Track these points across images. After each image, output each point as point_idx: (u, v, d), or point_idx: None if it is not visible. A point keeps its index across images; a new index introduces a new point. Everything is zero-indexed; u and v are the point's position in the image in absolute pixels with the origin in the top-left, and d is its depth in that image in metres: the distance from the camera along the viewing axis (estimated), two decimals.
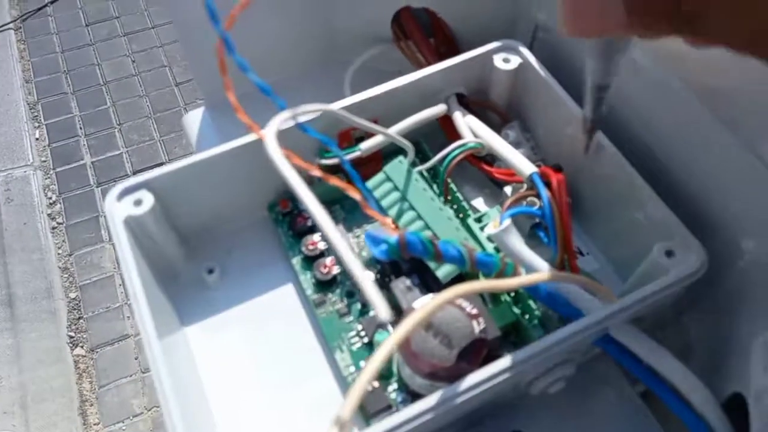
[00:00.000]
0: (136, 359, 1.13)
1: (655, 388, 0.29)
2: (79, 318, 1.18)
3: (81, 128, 1.44)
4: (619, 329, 0.28)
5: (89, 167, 1.38)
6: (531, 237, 0.36)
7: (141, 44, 1.61)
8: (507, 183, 0.35)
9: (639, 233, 0.33)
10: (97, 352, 1.14)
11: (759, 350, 0.28)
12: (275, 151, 0.25)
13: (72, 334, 1.16)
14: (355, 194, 0.25)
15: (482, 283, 0.26)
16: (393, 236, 0.23)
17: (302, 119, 0.33)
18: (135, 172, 1.36)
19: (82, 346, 1.15)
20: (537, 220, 0.34)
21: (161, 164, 1.37)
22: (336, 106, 0.33)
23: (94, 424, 1.07)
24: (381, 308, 0.21)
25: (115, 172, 1.36)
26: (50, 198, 1.33)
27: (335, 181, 0.25)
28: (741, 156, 0.28)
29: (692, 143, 0.31)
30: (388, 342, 0.22)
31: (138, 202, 0.32)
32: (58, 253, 1.25)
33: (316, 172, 0.25)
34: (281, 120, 0.27)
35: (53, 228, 1.29)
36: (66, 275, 1.23)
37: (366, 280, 0.21)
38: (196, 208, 0.35)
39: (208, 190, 0.35)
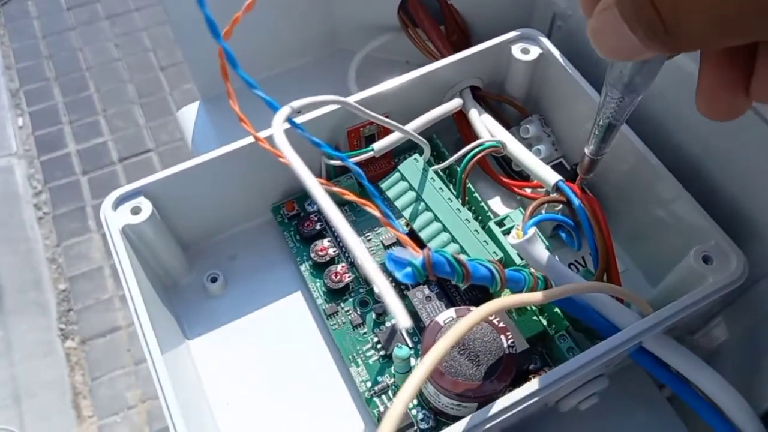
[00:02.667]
0: (128, 351, 1.11)
1: (690, 400, 0.28)
2: (69, 310, 1.15)
3: (65, 115, 1.40)
4: (651, 339, 0.27)
5: (74, 155, 1.34)
6: (552, 237, 0.34)
7: (124, 27, 1.55)
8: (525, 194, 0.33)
9: (668, 234, 0.31)
10: (88, 344, 1.11)
11: None
12: (286, 147, 0.22)
13: (62, 326, 1.14)
14: (374, 211, 0.22)
15: (516, 298, 0.24)
16: (418, 257, 0.21)
17: (308, 115, 0.31)
18: (121, 160, 1.32)
19: (72, 339, 1.13)
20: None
21: (148, 152, 1.34)
22: (349, 100, 0.31)
23: (89, 417, 1.06)
24: (401, 315, 0.19)
25: (101, 160, 1.33)
26: (36, 188, 1.30)
27: (351, 197, 0.23)
28: None
29: (728, 140, 0.29)
30: (422, 368, 0.20)
31: (136, 210, 0.29)
32: (46, 244, 1.22)
33: (331, 188, 0.23)
34: (288, 113, 0.24)
35: (39, 218, 1.26)
36: (54, 266, 1.20)
37: (385, 283, 0.19)
38: (197, 214, 0.33)
39: (209, 194, 0.32)
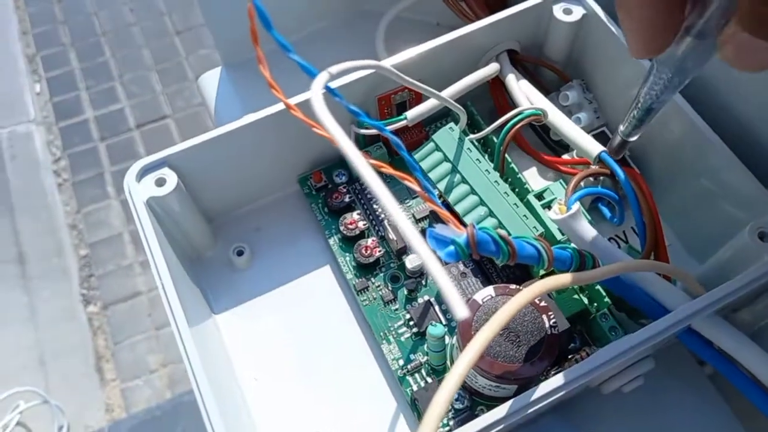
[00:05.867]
0: (149, 316, 1.12)
1: (738, 381, 0.26)
2: (90, 276, 1.17)
3: (82, 81, 1.39)
4: (701, 320, 0.25)
5: (92, 122, 1.33)
6: (592, 210, 0.32)
7: None
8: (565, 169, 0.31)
9: (717, 208, 0.29)
10: (110, 309, 1.13)
11: None
12: (326, 116, 0.20)
13: (84, 291, 1.15)
14: (413, 184, 0.21)
15: (563, 278, 0.22)
16: (461, 235, 0.20)
17: (338, 81, 0.30)
18: (138, 126, 1.31)
19: (95, 304, 1.14)
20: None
21: (165, 118, 1.33)
22: (386, 64, 0.29)
23: (111, 380, 1.08)
24: (458, 305, 0.17)
25: (118, 126, 1.32)
26: (55, 154, 1.30)
27: (388, 170, 0.21)
28: None
29: None
30: (466, 357, 0.19)
31: (160, 182, 0.28)
32: (66, 211, 1.23)
33: (367, 159, 0.21)
34: (326, 80, 0.23)
35: (59, 185, 1.26)
36: (75, 233, 1.21)
37: (441, 273, 0.18)
38: (222, 185, 0.32)
39: (235, 165, 0.31)
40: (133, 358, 1.08)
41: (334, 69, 0.19)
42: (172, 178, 0.28)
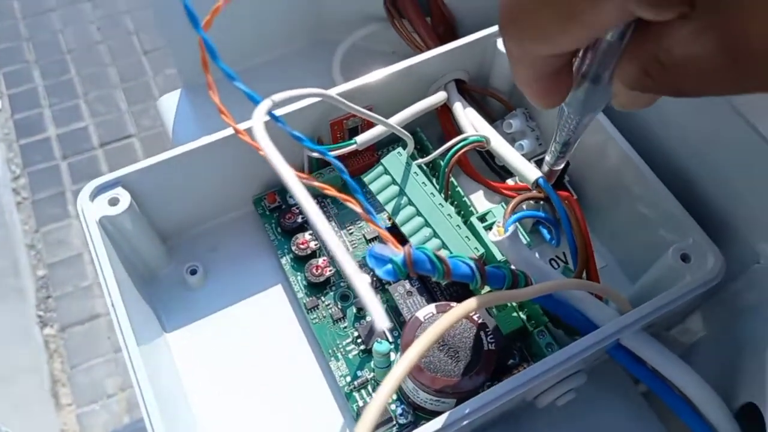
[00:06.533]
0: (108, 338, 1.10)
1: (666, 396, 0.28)
2: (48, 297, 1.14)
3: (45, 99, 1.37)
4: (629, 336, 0.27)
5: (54, 139, 1.32)
6: (534, 233, 0.34)
7: (106, 10, 1.52)
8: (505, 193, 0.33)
9: (648, 231, 0.31)
10: (67, 331, 1.10)
11: None
12: (266, 142, 0.22)
13: (41, 313, 1.13)
14: (355, 206, 0.22)
15: (498, 295, 0.24)
16: (398, 254, 0.21)
17: (291, 107, 0.31)
18: (102, 145, 1.30)
19: (51, 326, 1.12)
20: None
21: (130, 137, 1.32)
22: (331, 92, 0.30)
23: (67, 405, 1.05)
24: (379, 317, 0.19)
25: (82, 145, 1.31)
26: (14, 172, 1.27)
27: (331, 191, 0.23)
28: (762, 155, 0.26)
29: (708, 140, 0.29)
30: (403, 364, 0.20)
31: (113, 201, 0.29)
32: (24, 230, 1.21)
33: (311, 182, 0.22)
34: (269, 107, 0.24)
35: (18, 203, 1.24)
36: (33, 252, 1.18)
37: (363, 284, 0.19)
38: (177, 205, 0.32)
39: (190, 185, 0.32)
40: (90, 382, 1.06)
41: (277, 97, 0.20)
42: (125, 198, 0.29)
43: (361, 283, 0.16)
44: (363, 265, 0.32)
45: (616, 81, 0.17)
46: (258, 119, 0.18)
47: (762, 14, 0.12)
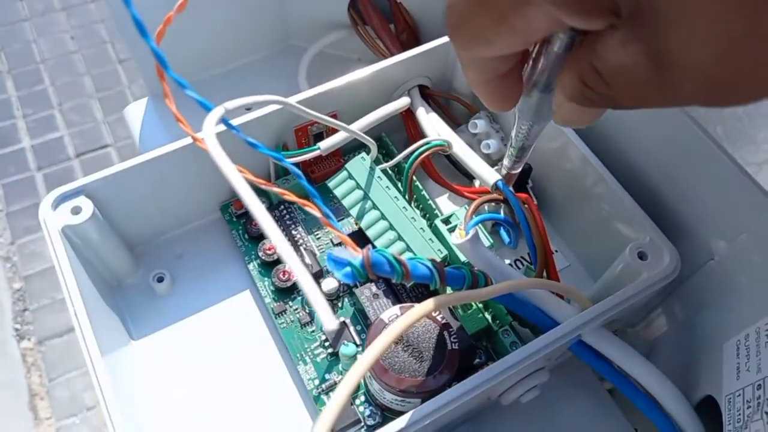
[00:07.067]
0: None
1: (628, 392, 0.28)
2: (25, 309, 1.13)
3: (18, 109, 1.36)
4: (590, 333, 0.28)
5: (29, 150, 1.30)
6: (492, 234, 0.35)
7: (80, 19, 1.51)
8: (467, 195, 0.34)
9: (608, 231, 0.32)
10: (45, 344, 1.09)
11: (730, 353, 0.27)
12: (218, 152, 0.22)
13: (18, 326, 1.11)
14: (314, 211, 0.23)
15: (456, 296, 0.24)
16: (357, 257, 0.21)
17: (253, 114, 0.31)
18: (78, 155, 1.29)
19: (29, 339, 1.10)
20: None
21: (106, 147, 1.31)
22: (293, 99, 0.31)
23: (46, 419, 1.03)
24: (326, 317, 0.19)
25: (57, 155, 1.29)
26: None
27: (290, 197, 0.23)
28: (713, 156, 0.27)
29: (663, 142, 0.30)
30: (361, 364, 0.21)
31: (76, 210, 0.29)
32: (0, 242, 1.19)
33: (270, 188, 0.23)
34: (221, 115, 0.24)
35: None
36: (9, 265, 1.17)
37: (308, 284, 0.19)
38: (142, 213, 0.32)
39: (154, 193, 0.32)
40: (68, 395, 1.05)
41: (230, 104, 0.21)
42: (87, 207, 0.29)
43: (307, 283, 0.16)
44: (329, 270, 0.33)
45: (558, 93, 0.18)
46: (209, 126, 0.18)
47: (683, 25, 0.13)
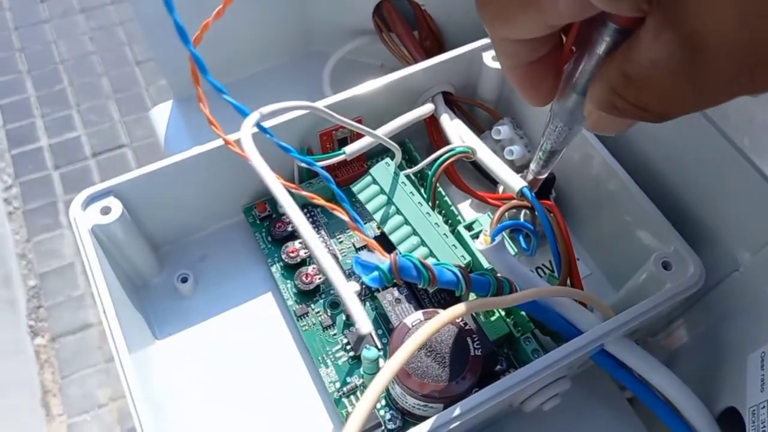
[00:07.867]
0: (99, 348, 1.10)
1: (650, 401, 0.28)
2: (39, 307, 1.14)
3: (37, 109, 1.37)
4: (613, 342, 0.28)
5: (46, 150, 1.32)
6: (511, 240, 0.35)
7: (99, 21, 1.53)
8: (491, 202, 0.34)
9: (631, 240, 0.32)
10: (58, 341, 1.10)
11: (754, 364, 0.27)
12: (253, 153, 0.22)
13: (32, 323, 1.12)
14: (342, 215, 0.23)
15: (482, 302, 0.24)
16: (385, 261, 0.22)
17: (280, 118, 0.31)
18: (95, 155, 1.30)
19: (42, 336, 1.11)
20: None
21: (122, 147, 1.32)
22: (320, 104, 0.31)
23: (58, 415, 1.04)
24: (362, 321, 0.19)
25: (74, 155, 1.31)
26: (6, 182, 1.27)
27: (319, 201, 0.23)
28: (739, 166, 0.27)
29: (689, 151, 0.30)
30: (387, 369, 0.21)
31: (105, 210, 0.29)
32: (16, 239, 1.20)
33: (299, 192, 0.23)
34: (257, 119, 0.24)
35: (10, 213, 1.24)
36: (24, 262, 1.18)
37: (347, 290, 0.20)
38: (168, 214, 0.33)
39: (180, 195, 0.32)
40: (81, 393, 1.05)
41: (266, 109, 0.21)
42: (117, 207, 0.29)
43: (343, 287, 0.16)
44: (352, 273, 0.33)
45: (588, 101, 0.18)
46: (246, 131, 0.19)
47: (715, 7, 0.12)
